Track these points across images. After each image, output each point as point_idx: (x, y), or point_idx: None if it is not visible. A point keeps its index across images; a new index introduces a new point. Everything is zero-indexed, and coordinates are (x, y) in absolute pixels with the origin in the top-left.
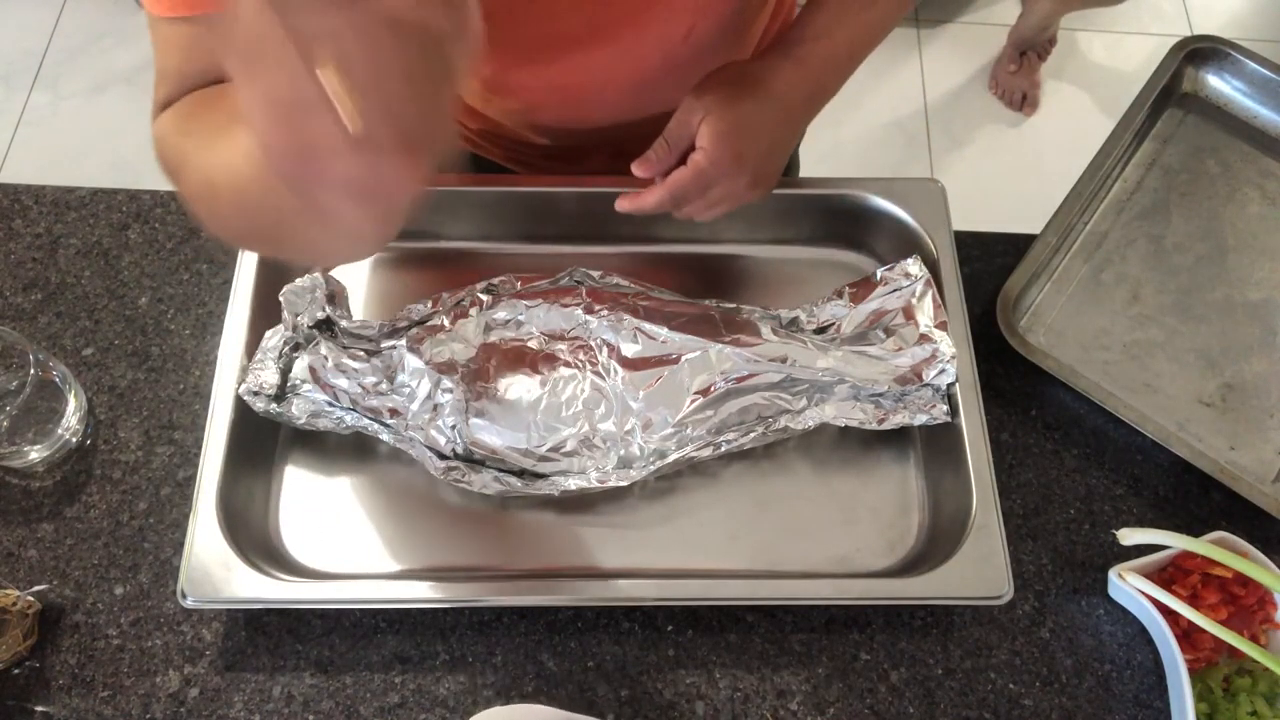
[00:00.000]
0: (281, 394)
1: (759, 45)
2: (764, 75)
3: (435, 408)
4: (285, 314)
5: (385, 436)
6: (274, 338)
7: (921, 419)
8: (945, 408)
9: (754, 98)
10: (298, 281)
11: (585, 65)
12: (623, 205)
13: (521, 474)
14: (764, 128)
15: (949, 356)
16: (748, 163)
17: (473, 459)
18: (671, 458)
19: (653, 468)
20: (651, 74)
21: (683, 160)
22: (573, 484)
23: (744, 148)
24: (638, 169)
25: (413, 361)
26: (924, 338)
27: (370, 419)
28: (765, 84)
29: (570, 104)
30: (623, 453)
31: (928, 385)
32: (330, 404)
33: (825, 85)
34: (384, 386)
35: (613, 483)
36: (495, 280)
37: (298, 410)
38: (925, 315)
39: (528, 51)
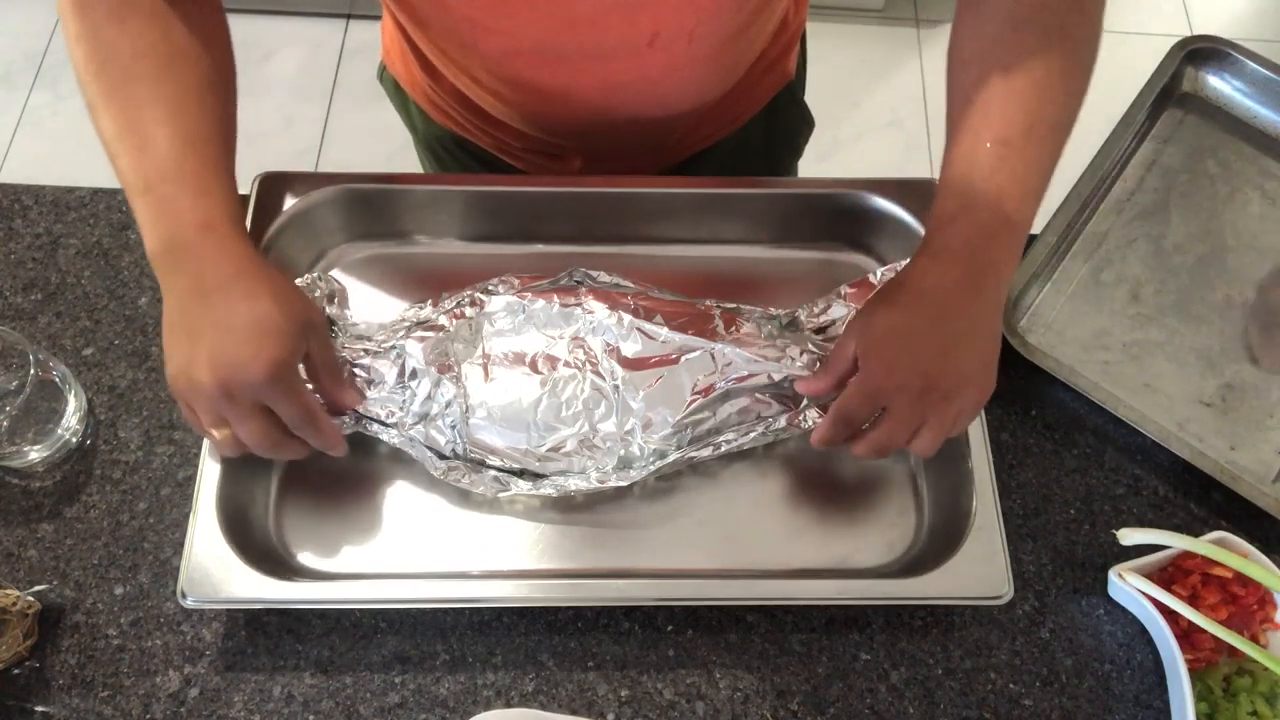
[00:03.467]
0: None
1: (761, 60)
2: (906, 279)
3: (435, 408)
4: None
5: (385, 436)
6: None
7: None
8: None
9: (898, 305)
10: (298, 281)
11: (547, 65)
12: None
13: (522, 474)
14: (918, 331)
15: None
16: (911, 371)
17: (473, 459)
18: (671, 458)
19: (653, 468)
20: (619, 77)
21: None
22: (573, 484)
23: (895, 357)
24: (800, 386)
25: (413, 362)
26: None
27: (370, 419)
28: (908, 286)
29: (537, 100)
30: (623, 453)
31: None
32: None
33: (979, 265)
34: (384, 387)
35: (613, 483)
36: (495, 280)
37: None
38: None
39: (489, 48)
